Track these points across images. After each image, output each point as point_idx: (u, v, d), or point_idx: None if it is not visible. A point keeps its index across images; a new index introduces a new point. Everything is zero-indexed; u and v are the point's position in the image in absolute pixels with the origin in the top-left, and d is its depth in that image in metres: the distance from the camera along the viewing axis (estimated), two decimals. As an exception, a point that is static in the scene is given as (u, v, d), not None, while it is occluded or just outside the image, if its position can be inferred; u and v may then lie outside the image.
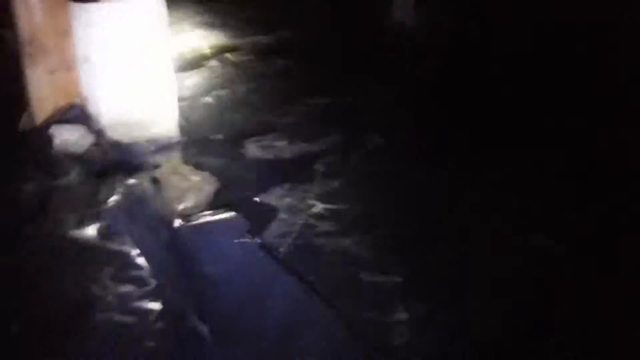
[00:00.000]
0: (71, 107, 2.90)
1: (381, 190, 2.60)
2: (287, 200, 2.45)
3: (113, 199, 2.10)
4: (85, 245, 2.00)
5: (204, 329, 1.51)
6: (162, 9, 2.93)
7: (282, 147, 2.89)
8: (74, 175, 2.57)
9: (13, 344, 1.66)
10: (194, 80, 3.66)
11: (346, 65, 3.97)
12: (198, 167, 2.58)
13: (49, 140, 2.75)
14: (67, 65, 2.94)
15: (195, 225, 2.06)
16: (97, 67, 2.83)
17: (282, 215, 2.35)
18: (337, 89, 3.54)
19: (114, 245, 1.98)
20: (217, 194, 2.44)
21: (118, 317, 1.75)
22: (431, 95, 3.57)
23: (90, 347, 1.62)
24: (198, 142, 2.92)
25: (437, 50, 4.33)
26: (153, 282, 1.85)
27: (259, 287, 1.82)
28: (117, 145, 2.80)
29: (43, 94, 2.93)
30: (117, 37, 2.83)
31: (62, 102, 2.94)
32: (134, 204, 1.93)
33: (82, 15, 2.85)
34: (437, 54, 4.27)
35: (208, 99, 3.43)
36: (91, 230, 2.09)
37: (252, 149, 2.88)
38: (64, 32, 2.91)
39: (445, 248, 2.16)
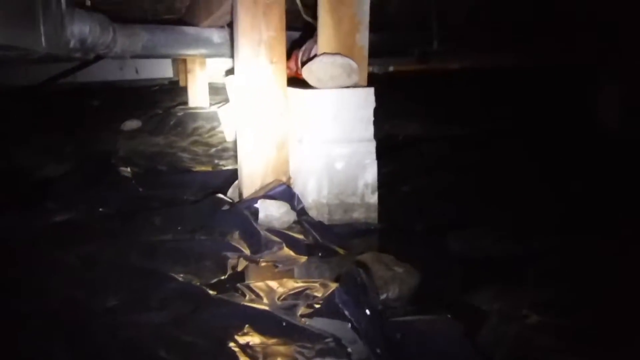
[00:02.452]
0: (278, 184, 2.99)
1: (609, 302, 2.24)
2: (498, 305, 2.20)
3: (326, 281, 2.03)
4: (288, 323, 1.93)
5: None
6: (371, 98, 2.99)
7: (488, 245, 2.68)
8: (275, 250, 2.59)
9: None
10: (390, 168, 3.64)
11: (550, 164, 3.72)
12: (399, 257, 2.46)
13: (254, 213, 2.82)
14: (279, 144, 3.08)
15: (406, 321, 1.91)
16: (307, 149, 2.92)
17: (493, 322, 2.10)
18: (540, 184, 3.29)
19: (318, 326, 1.88)
20: (420, 288, 2.29)
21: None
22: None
23: None
24: (397, 231, 2.82)
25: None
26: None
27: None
28: (317, 225, 2.81)
29: (253, 169, 3.07)
30: (328, 122, 2.91)
31: (269, 179, 3.06)
32: (357, 289, 1.84)
33: (298, 99, 3.00)
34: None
35: (405, 188, 3.37)
36: (294, 308, 2.03)
37: (455, 244, 2.70)
38: (280, 114, 3.08)
39: None
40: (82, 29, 3.42)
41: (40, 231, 2.80)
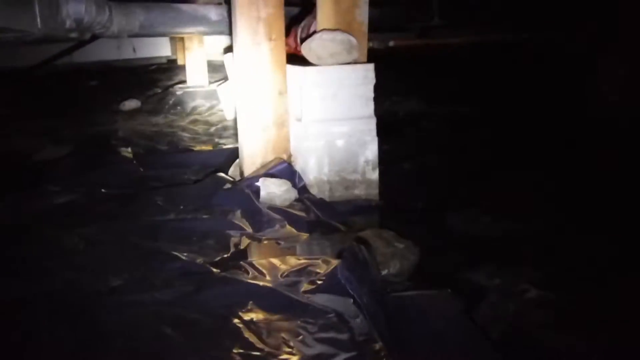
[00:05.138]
0: (279, 162, 2.99)
1: (602, 279, 2.27)
2: (497, 281, 2.22)
3: (328, 258, 2.05)
4: (290, 299, 1.95)
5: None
6: (371, 74, 2.97)
7: (487, 223, 2.70)
8: (277, 228, 2.60)
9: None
10: (390, 145, 3.63)
11: (549, 141, 3.72)
12: (399, 233, 2.48)
13: (255, 191, 2.83)
14: (279, 122, 3.07)
15: (406, 296, 1.92)
16: (307, 126, 2.91)
17: (492, 298, 2.13)
18: (539, 164, 3.29)
19: (320, 302, 1.90)
20: (420, 264, 2.31)
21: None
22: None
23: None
24: (398, 208, 2.83)
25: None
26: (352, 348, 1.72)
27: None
28: (318, 202, 2.82)
29: (253, 148, 3.07)
30: (328, 99, 2.90)
31: (270, 157, 3.06)
32: (359, 265, 1.85)
33: (297, 77, 2.98)
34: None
35: (406, 165, 3.37)
36: (296, 284, 2.04)
37: (455, 222, 2.72)
38: (279, 92, 3.06)
39: None
40: (77, 9, 3.37)
41: (41, 213, 2.81)
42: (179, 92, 6.36)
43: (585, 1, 4.62)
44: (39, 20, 2.85)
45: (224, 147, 4.08)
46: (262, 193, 2.80)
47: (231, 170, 3.26)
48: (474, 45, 5.26)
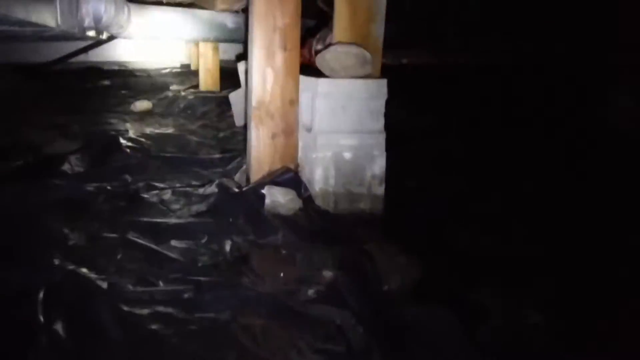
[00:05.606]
0: (285, 171, 2.99)
1: (606, 301, 2.23)
2: (499, 300, 2.20)
3: (330, 268, 2.04)
4: (289, 307, 1.94)
5: None
6: (384, 89, 2.98)
7: (491, 241, 2.68)
8: (280, 236, 2.59)
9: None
10: (398, 160, 3.62)
11: (557, 159, 3.71)
12: (402, 249, 2.46)
13: (260, 199, 2.82)
14: (289, 131, 3.08)
15: (406, 312, 1.91)
16: (316, 137, 2.92)
17: (493, 317, 2.10)
18: (547, 183, 3.28)
19: (319, 312, 1.89)
20: (422, 280, 2.29)
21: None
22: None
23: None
24: (402, 223, 2.82)
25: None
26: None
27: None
28: (322, 213, 2.81)
29: (261, 155, 3.07)
30: (338, 112, 2.90)
31: (277, 165, 3.06)
32: (360, 278, 1.85)
33: (309, 88, 2.99)
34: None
35: (411, 181, 3.37)
36: (296, 293, 2.03)
37: (459, 239, 2.70)
38: (290, 101, 3.07)
39: None
40: (97, 7, 3.42)
41: (45, 206, 2.82)
42: (190, 97, 6.40)
43: (587, 17, 4.64)
44: (59, 15, 2.88)
45: (232, 153, 4.09)
46: (267, 201, 2.80)
47: (237, 176, 3.26)
48: (485, 64, 5.28)
